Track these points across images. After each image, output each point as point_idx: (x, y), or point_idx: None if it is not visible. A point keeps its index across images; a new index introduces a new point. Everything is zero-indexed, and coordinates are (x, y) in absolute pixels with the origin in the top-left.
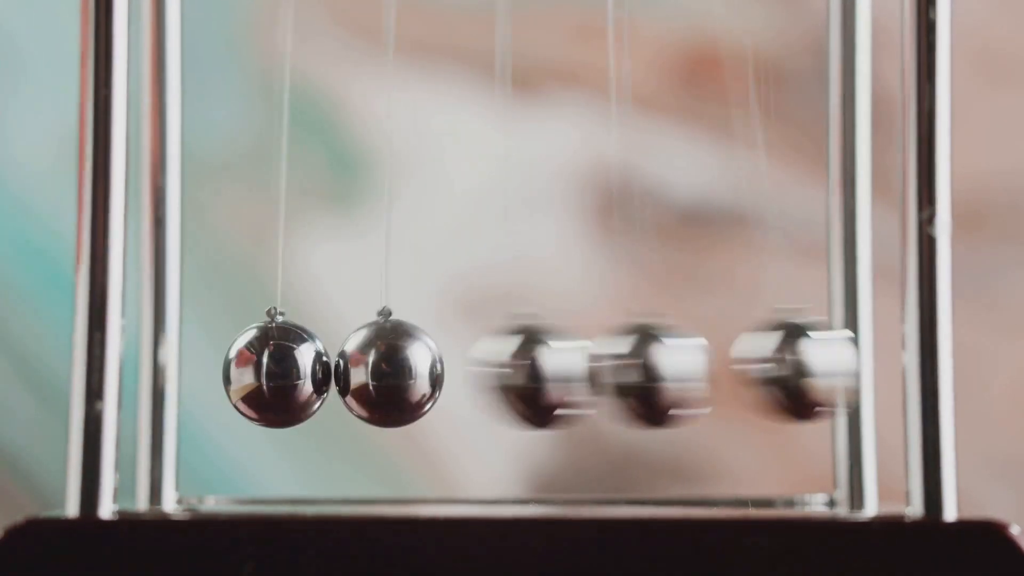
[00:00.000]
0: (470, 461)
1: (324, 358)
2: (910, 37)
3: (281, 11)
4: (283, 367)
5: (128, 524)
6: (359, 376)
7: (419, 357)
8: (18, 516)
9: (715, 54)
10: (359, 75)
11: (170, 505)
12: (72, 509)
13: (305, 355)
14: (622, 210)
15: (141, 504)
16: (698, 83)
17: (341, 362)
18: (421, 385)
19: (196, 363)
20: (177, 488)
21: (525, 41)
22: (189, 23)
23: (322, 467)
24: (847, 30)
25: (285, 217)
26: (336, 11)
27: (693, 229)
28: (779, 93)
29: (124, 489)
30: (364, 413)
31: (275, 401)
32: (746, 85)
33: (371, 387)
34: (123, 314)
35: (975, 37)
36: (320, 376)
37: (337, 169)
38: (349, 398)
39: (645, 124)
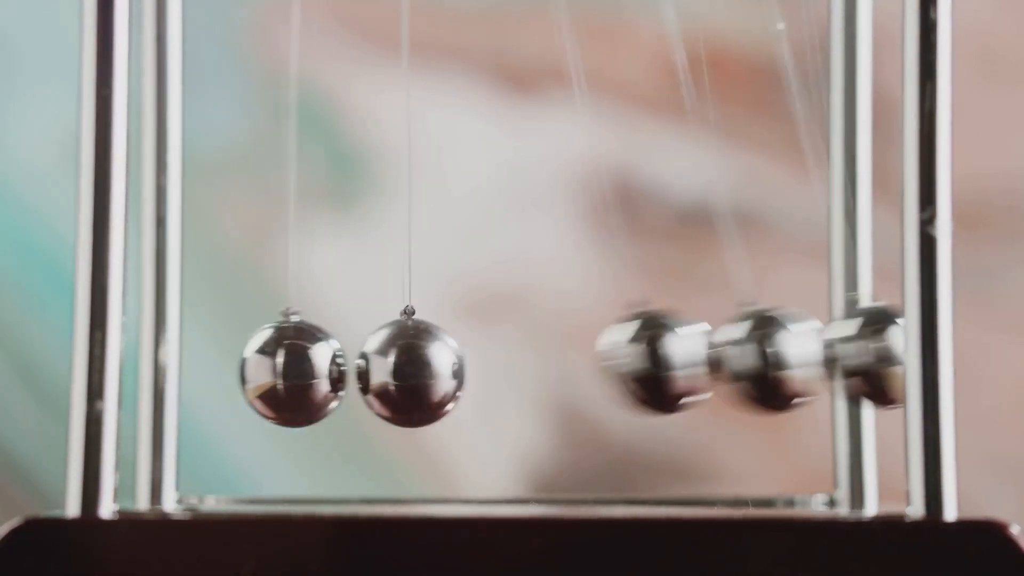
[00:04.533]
0: (470, 461)
1: (340, 357)
2: (911, 37)
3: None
4: (299, 366)
5: (128, 524)
6: (380, 376)
7: (440, 357)
8: (18, 516)
9: (715, 54)
10: (359, 75)
11: (170, 505)
12: (72, 509)
13: (320, 354)
14: (621, 210)
15: (141, 504)
16: (699, 83)
17: (363, 361)
18: (443, 385)
19: (196, 363)
20: (177, 488)
21: (525, 41)
22: (190, 23)
23: (322, 467)
24: (848, 30)
25: (289, 214)
26: (337, 11)
27: (693, 229)
28: (779, 93)
29: (124, 489)
30: (385, 413)
31: (291, 400)
32: (745, 85)
33: (392, 387)
34: (123, 314)
35: (975, 37)
36: (336, 375)
37: (337, 169)
38: (370, 397)
39: (645, 124)
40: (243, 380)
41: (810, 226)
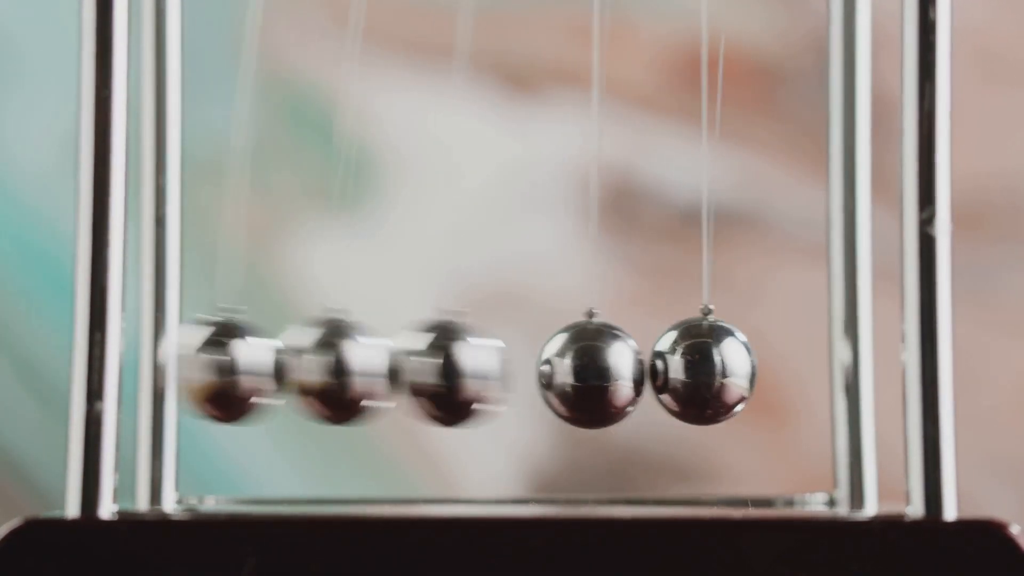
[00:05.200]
0: (470, 461)
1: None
2: (910, 37)
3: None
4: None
5: (128, 524)
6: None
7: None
8: (18, 516)
9: (715, 54)
10: (359, 75)
11: (170, 505)
12: (72, 509)
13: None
14: (621, 210)
15: (141, 504)
16: (698, 83)
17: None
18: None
19: None
20: (177, 488)
21: (525, 41)
22: (189, 23)
23: (322, 467)
24: (847, 30)
25: (289, 216)
26: (336, 11)
27: (693, 229)
28: (780, 93)
29: (124, 489)
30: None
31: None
32: (745, 85)
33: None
34: (123, 314)
35: (974, 37)
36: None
37: (337, 169)
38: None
39: (645, 124)
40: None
41: (810, 226)
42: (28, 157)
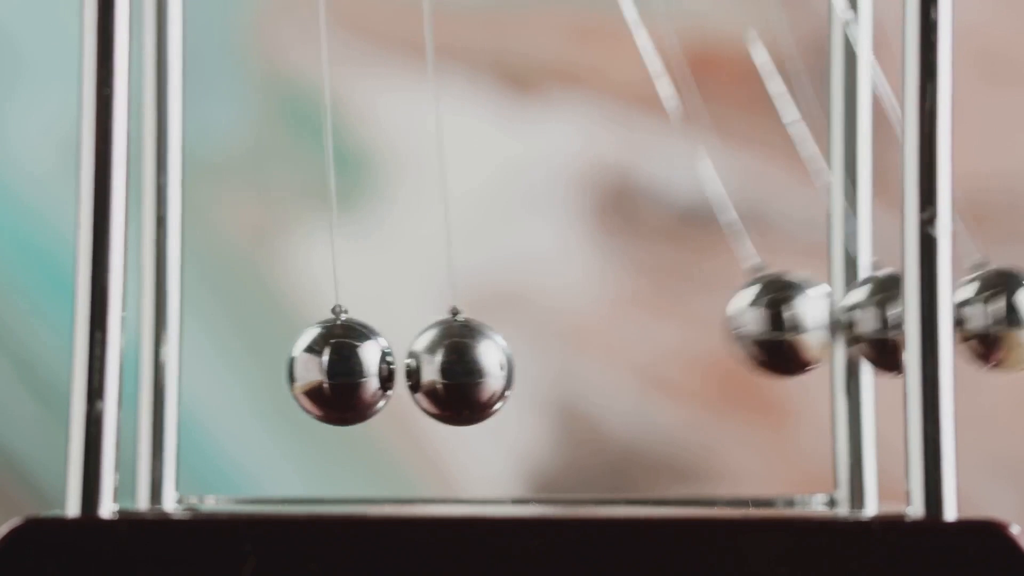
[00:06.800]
0: (470, 461)
1: (388, 356)
2: (911, 37)
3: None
4: (347, 364)
5: (128, 524)
6: (429, 374)
7: (489, 356)
8: (18, 516)
9: (714, 54)
10: (359, 75)
11: (170, 505)
12: (72, 509)
13: (369, 353)
14: (622, 210)
15: (141, 504)
16: (700, 83)
17: (412, 360)
18: (492, 383)
19: (196, 363)
20: (177, 488)
21: (525, 41)
22: (191, 23)
23: (322, 467)
24: (847, 30)
25: (289, 216)
26: (336, 11)
27: (693, 229)
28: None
29: (124, 489)
30: (434, 411)
31: (338, 399)
32: (746, 85)
33: (440, 386)
34: (123, 314)
35: (975, 37)
36: (386, 374)
37: (337, 169)
38: (419, 395)
39: (645, 124)
40: (291, 378)
41: (810, 226)
42: (29, 157)
